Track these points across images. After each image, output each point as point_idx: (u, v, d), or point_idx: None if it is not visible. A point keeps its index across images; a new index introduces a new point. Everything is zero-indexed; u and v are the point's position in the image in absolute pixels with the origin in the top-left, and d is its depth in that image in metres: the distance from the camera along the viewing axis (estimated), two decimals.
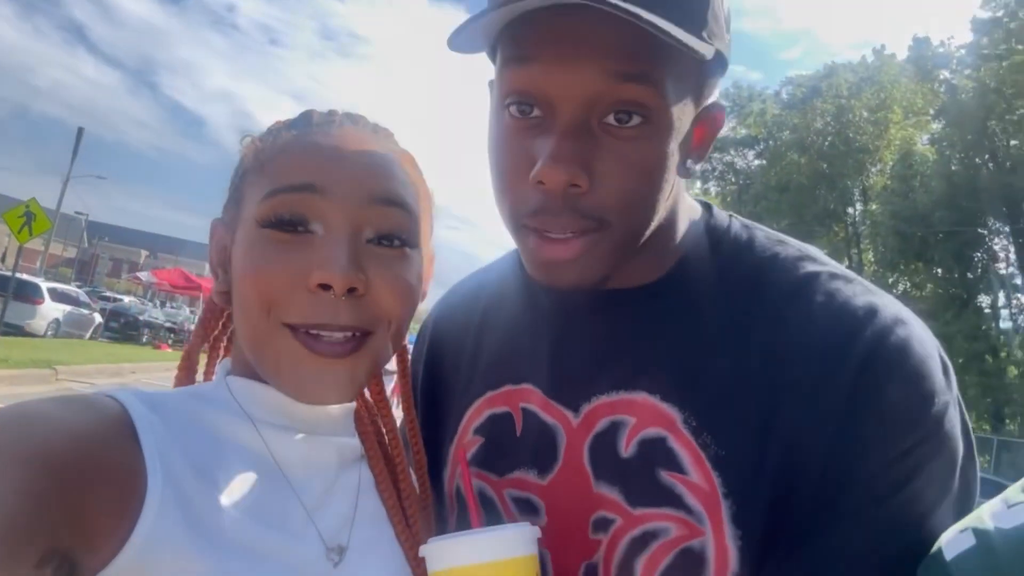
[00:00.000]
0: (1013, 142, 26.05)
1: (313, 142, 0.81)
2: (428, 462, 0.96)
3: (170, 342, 25.45)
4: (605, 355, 0.89)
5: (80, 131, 30.13)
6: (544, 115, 0.76)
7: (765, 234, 0.90)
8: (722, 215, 0.94)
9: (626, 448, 0.83)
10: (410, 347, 1.02)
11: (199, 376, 0.93)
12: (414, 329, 1.07)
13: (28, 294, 18.48)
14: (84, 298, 22.71)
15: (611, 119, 0.74)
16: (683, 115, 0.78)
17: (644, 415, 0.83)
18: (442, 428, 1.02)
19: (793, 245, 0.89)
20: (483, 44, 0.82)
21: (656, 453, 0.81)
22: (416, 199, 0.85)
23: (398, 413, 1.01)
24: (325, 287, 0.74)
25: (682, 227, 0.90)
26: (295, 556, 0.74)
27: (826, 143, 31.54)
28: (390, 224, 0.80)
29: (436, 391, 1.06)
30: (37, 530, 0.57)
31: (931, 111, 30.44)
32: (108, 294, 35.70)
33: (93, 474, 0.63)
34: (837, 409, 0.74)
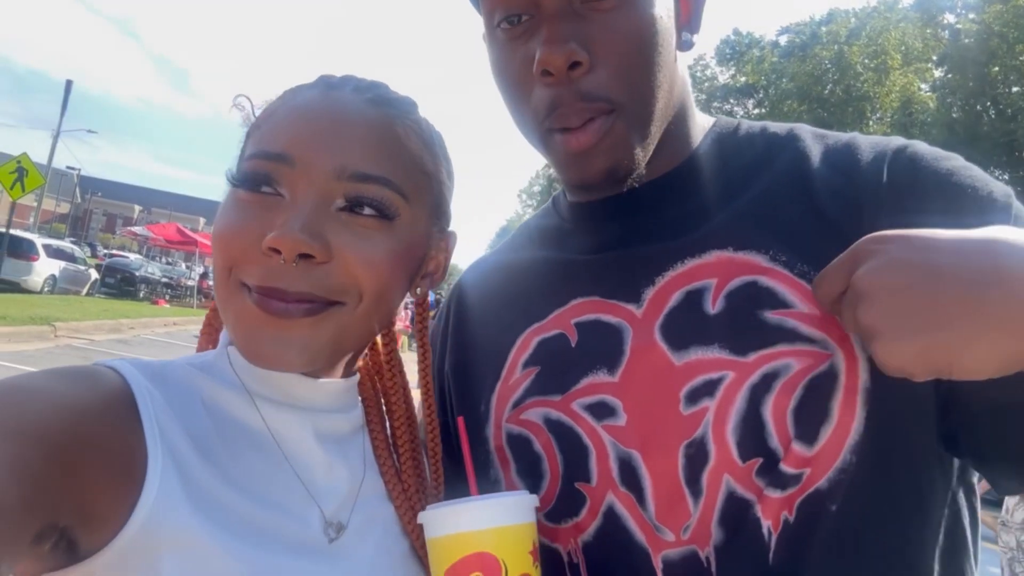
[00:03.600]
0: (1015, 89, 25.72)
1: (299, 108, 0.78)
2: (468, 424, 0.92)
3: (167, 297, 25.47)
4: (655, 238, 0.88)
5: (69, 84, 29.64)
6: (531, 16, 0.82)
7: (775, 123, 0.97)
8: (731, 119, 0.99)
9: (713, 305, 0.82)
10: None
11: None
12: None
13: (23, 250, 18.42)
14: (79, 253, 22.62)
15: None
16: None
17: (725, 270, 0.82)
18: (480, 385, 0.97)
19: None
20: None
21: (752, 297, 0.80)
22: (413, 174, 0.80)
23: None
24: (276, 251, 0.71)
25: (695, 127, 0.95)
26: (293, 533, 0.73)
27: (825, 91, 31.20)
28: (360, 194, 0.75)
29: (467, 353, 1.02)
30: (33, 506, 0.56)
31: (933, 57, 30.02)
32: (114, 252, 35.43)
33: (91, 451, 0.62)
34: (888, 193, 0.80)
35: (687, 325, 0.82)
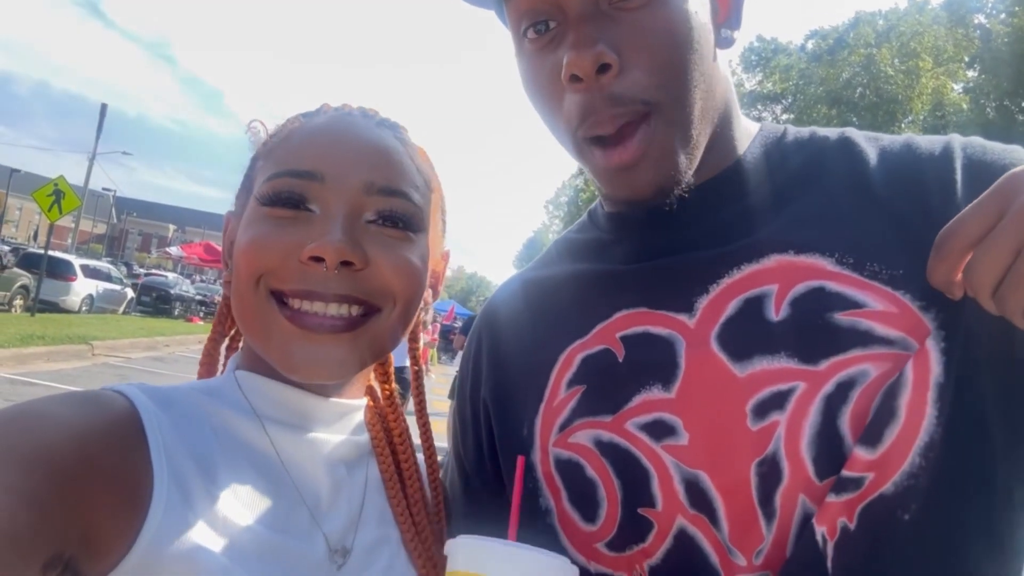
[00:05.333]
0: None
1: (319, 130, 0.82)
2: (509, 449, 0.90)
3: (201, 314, 25.82)
4: (706, 244, 0.83)
5: (104, 107, 30.28)
6: (558, 23, 0.78)
7: (824, 128, 0.92)
8: (776, 125, 0.94)
9: (777, 312, 0.76)
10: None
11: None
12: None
13: (61, 271, 18.82)
14: (116, 273, 23.03)
15: None
16: None
17: (786, 275, 0.77)
18: (520, 408, 0.91)
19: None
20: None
21: (820, 301, 0.74)
22: (423, 191, 0.85)
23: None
24: (318, 260, 0.73)
25: (740, 131, 0.90)
26: (299, 559, 0.73)
27: (855, 95, 30.79)
28: (391, 208, 0.79)
29: (506, 376, 0.96)
30: (42, 535, 0.56)
31: (965, 59, 29.49)
32: (152, 271, 36.13)
33: (99, 477, 0.62)
34: (962, 190, 0.75)
35: (748, 333, 0.76)
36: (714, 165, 0.86)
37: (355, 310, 0.77)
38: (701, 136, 0.81)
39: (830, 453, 0.70)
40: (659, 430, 0.78)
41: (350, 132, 0.82)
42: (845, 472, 0.69)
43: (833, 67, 31.56)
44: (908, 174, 0.79)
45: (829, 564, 0.69)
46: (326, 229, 0.75)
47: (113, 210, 79.81)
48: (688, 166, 0.80)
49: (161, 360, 13.47)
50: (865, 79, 30.54)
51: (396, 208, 0.79)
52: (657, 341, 0.81)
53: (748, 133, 0.91)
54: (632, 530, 0.79)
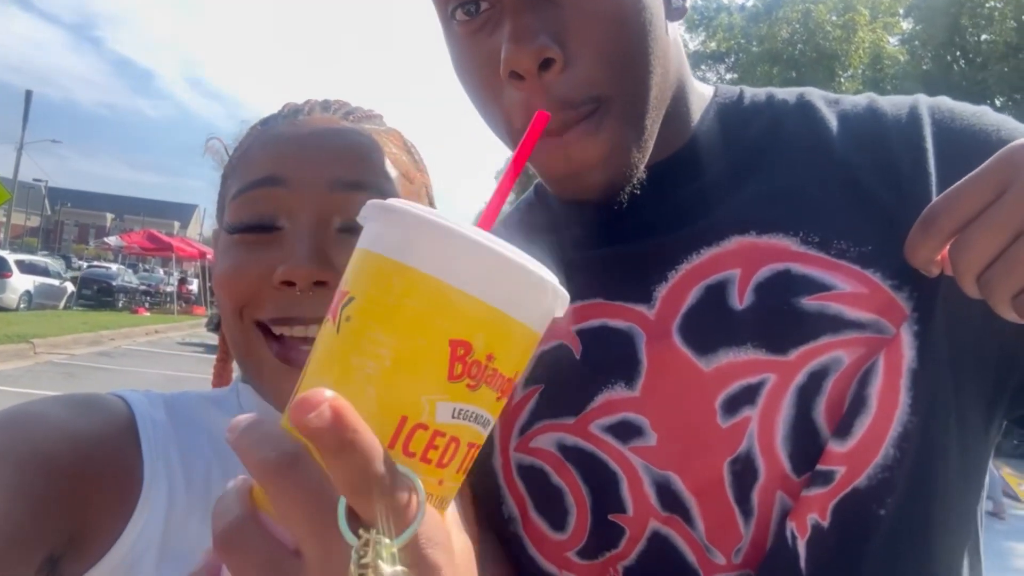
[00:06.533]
0: (984, 36, 25.87)
1: (276, 134, 0.78)
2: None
3: (147, 305, 25.12)
4: (663, 228, 0.78)
5: (29, 94, 29.04)
6: (491, 5, 0.70)
7: (781, 89, 0.86)
8: (732, 87, 0.88)
9: (741, 300, 0.71)
10: None
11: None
12: None
13: None
14: (54, 267, 22.28)
15: None
16: None
17: (749, 259, 0.72)
18: None
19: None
20: None
21: (785, 286, 0.70)
22: (397, 180, 0.79)
23: None
24: (289, 284, 0.70)
25: (694, 101, 0.84)
26: None
27: (795, 52, 31.20)
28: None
29: None
30: (39, 534, 0.60)
31: (900, 10, 30.12)
32: (95, 263, 35.02)
33: (91, 479, 0.63)
34: (936, 158, 0.71)
35: (711, 324, 0.72)
36: (669, 144, 0.81)
37: None
38: (655, 124, 0.75)
39: (806, 447, 0.68)
40: (625, 431, 0.74)
41: (309, 130, 0.78)
42: (819, 466, 0.66)
43: (773, 25, 31.91)
44: (874, 143, 0.74)
45: (802, 563, 0.66)
46: (293, 249, 0.71)
47: (46, 201, 77.01)
48: (641, 160, 0.74)
49: (107, 355, 13.03)
50: (804, 35, 30.97)
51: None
52: (616, 335, 0.77)
53: (702, 99, 0.86)
54: (603, 537, 0.75)
